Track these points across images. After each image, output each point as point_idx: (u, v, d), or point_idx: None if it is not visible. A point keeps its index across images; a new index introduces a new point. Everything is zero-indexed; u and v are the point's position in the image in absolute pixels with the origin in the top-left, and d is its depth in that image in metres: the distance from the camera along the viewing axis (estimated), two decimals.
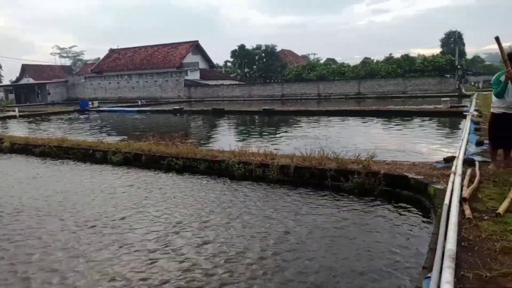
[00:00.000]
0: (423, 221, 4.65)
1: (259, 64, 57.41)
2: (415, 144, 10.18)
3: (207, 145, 11.75)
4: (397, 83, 36.43)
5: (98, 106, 32.19)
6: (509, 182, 4.80)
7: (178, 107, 26.03)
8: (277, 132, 14.69)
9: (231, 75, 56.75)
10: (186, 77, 45.13)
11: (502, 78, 5.35)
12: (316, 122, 17.15)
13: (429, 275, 2.76)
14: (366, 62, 47.66)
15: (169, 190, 6.37)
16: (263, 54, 57.14)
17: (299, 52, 76.93)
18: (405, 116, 17.12)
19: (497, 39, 5.15)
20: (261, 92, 42.09)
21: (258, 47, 57.69)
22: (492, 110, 5.76)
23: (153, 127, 17.34)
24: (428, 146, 9.80)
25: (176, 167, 7.65)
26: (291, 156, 7.08)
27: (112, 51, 56.86)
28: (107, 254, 4.03)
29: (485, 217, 3.81)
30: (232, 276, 3.49)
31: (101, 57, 59.48)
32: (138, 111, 27.26)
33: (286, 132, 14.59)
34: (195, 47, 51.29)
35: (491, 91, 5.81)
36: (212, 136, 15.06)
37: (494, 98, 5.65)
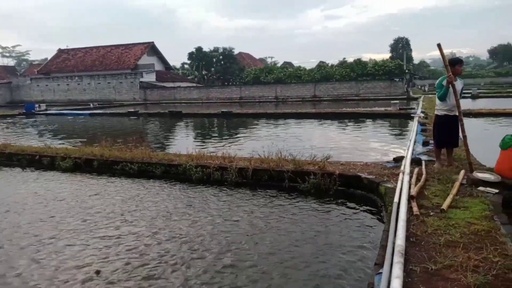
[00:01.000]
0: (376, 219, 4.84)
1: (217, 66, 57.19)
2: (368, 145, 10.61)
3: (164, 148, 11.48)
4: (350, 86, 37.90)
5: (46, 109, 30.31)
6: (451, 180, 5.14)
7: (133, 110, 25.21)
8: (236, 134, 14.68)
9: (189, 77, 56.03)
10: (141, 79, 43.91)
11: (444, 82, 5.72)
12: (274, 124, 17.36)
13: (380, 270, 2.88)
14: (321, 65, 48.99)
15: (121, 196, 6.13)
16: (221, 57, 57.02)
17: (257, 55, 77.80)
18: (359, 118, 17.83)
19: (439, 46, 5.51)
20: (219, 94, 41.96)
21: (216, 49, 57.52)
22: (436, 112, 6.14)
23: (106, 131, 16.64)
24: (380, 147, 10.25)
25: (130, 172, 7.38)
26: (249, 158, 7.10)
27: (61, 51, 54.02)
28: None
29: (431, 213, 4.05)
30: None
31: (49, 57, 56.29)
32: (90, 114, 26.06)
33: (244, 134, 14.63)
34: (151, 48, 50.11)
35: (435, 94, 6.20)
36: (169, 139, 14.73)
37: (437, 101, 6.03)
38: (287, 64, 67.54)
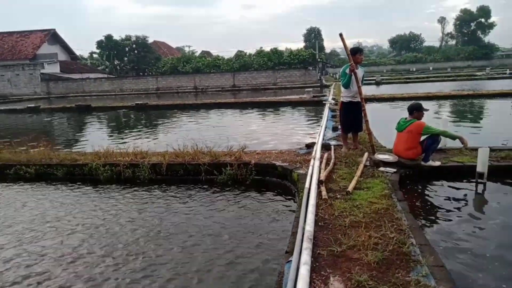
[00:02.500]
0: (291, 206, 4.95)
1: (130, 56, 54.08)
2: (285, 132, 10.92)
3: (71, 148, 10.46)
4: (268, 75, 38.78)
5: None
6: (356, 162, 5.50)
7: (33, 105, 22.57)
8: (152, 128, 14.01)
9: (99, 68, 52.03)
10: (42, 71, 39.55)
11: (347, 71, 6.05)
12: (194, 115, 16.97)
13: (290, 258, 2.91)
14: (239, 55, 49.28)
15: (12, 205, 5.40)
16: (134, 46, 54.00)
17: (174, 44, 75.47)
18: (276, 106, 18.33)
19: (341, 35, 5.79)
20: (134, 86, 39.79)
21: (128, 38, 54.25)
22: (341, 99, 6.50)
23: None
24: (295, 133, 10.63)
25: (27, 177, 6.55)
26: (164, 153, 6.78)
27: None
28: None
29: (338, 196, 4.26)
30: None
31: None
32: None
33: (161, 128, 14.03)
34: (52, 36, 45.32)
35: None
36: (77, 137, 13.46)
37: (342, 88, 6.37)
38: (206, 54, 66.70)
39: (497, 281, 2.90)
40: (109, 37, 52.96)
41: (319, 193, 4.31)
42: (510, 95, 17.12)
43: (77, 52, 51.71)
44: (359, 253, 2.91)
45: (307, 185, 4.50)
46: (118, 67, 53.82)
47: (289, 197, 5.24)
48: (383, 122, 9.96)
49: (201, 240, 3.96)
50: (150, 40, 57.63)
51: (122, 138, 11.48)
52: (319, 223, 3.54)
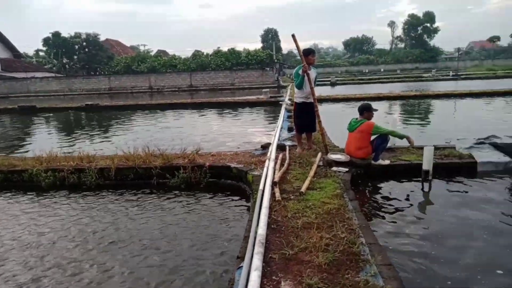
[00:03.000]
0: (246, 208, 4.87)
1: (81, 54, 51.49)
2: (242, 132, 10.85)
3: (11, 152, 9.67)
4: (226, 75, 38.62)
5: None
6: (310, 163, 5.53)
7: None
8: (102, 130, 13.37)
9: (46, 67, 49.02)
10: None
11: (301, 72, 6.08)
12: (147, 117, 16.43)
13: (242, 264, 2.83)
14: (197, 54, 48.60)
15: None
16: (84, 44, 51.45)
17: (128, 43, 72.86)
18: (234, 107, 18.24)
19: (293, 36, 5.80)
20: (85, 85, 37.96)
21: (78, 35, 51.64)
22: (295, 99, 6.52)
23: None
24: (253, 134, 10.59)
25: None
26: (113, 156, 6.45)
27: None
28: None
29: (292, 197, 4.24)
30: None
31: None
32: None
33: (112, 130, 13.42)
34: None
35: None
36: (18, 141, 12.50)
37: (295, 89, 6.39)
38: (162, 53, 64.95)
39: (442, 278, 3.00)
40: (56, 34, 50.05)
41: (273, 195, 4.26)
42: (453, 96, 18.31)
43: (21, 50, 48.36)
44: (311, 255, 2.89)
45: (261, 187, 4.43)
46: (67, 65, 51.01)
47: (245, 199, 5.16)
48: (337, 122, 10.19)
49: (152, 248, 3.77)
50: (102, 38, 55.24)
51: (70, 142, 10.83)
52: (272, 226, 3.49)
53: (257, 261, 2.72)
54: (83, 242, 3.98)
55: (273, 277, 2.65)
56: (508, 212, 4.19)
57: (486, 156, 5.67)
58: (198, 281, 3.17)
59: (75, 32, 51.61)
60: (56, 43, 50.10)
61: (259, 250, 2.89)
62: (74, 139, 11.22)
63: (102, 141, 10.54)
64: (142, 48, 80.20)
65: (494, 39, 75.02)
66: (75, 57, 51.68)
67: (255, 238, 3.13)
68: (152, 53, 64.42)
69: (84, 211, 4.89)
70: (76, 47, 51.24)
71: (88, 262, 3.54)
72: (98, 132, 12.71)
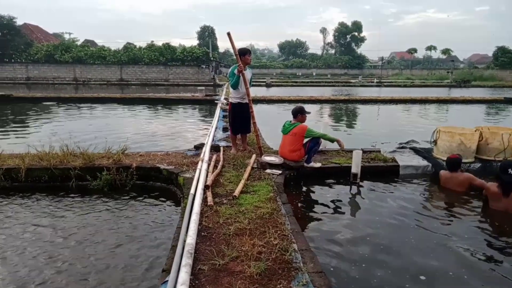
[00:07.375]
0: (175, 213, 4.59)
1: None
2: (175, 131, 10.41)
3: None
4: (159, 71, 37.26)
5: None
6: (244, 164, 5.42)
7: None
8: (14, 125, 11.94)
9: None
10: None
11: (236, 71, 5.94)
12: (70, 111, 15.08)
13: (167, 278, 2.59)
14: (128, 47, 45.96)
15: None
16: None
17: (50, 30, 66.48)
18: (168, 103, 17.58)
19: (228, 34, 5.63)
20: None
21: None
22: (230, 100, 6.37)
23: None
24: (187, 133, 10.22)
25: None
26: (23, 155, 5.72)
27: None
28: None
29: (224, 201, 4.07)
30: None
31: None
32: None
33: (27, 125, 12.05)
34: None
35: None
36: None
37: (231, 89, 6.24)
38: (89, 43, 60.48)
39: (375, 280, 3.06)
40: None
41: (205, 199, 4.06)
42: (377, 102, 19.67)
43: None
44: (242, 265, 2.75)
45: (192, 190, 4.20)
46: None
47: (175, 203, 4.87)
48: (272, 124, 10.28)
49: (68, 260, 3.33)
50: (20, 22, 49.67)
51: None
52: (202, 233, 3.28)
53: (184, 275, 2.50)
54: None
55: None
56: (428, 214, 4.46)
57: (407, 160, 6.07)
58: None
59: None
60: None
61: (187, 261, 2.67)
62: None
63: (14, 138, 9.38)
64: (67, 36, 73.81)
65: (412, 50, 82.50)
66: None
67: (183, 248, 2.90)
68: (79, 43, 59.66)
69: None
70: None
71: None
72: (9, 128, 11.32)
